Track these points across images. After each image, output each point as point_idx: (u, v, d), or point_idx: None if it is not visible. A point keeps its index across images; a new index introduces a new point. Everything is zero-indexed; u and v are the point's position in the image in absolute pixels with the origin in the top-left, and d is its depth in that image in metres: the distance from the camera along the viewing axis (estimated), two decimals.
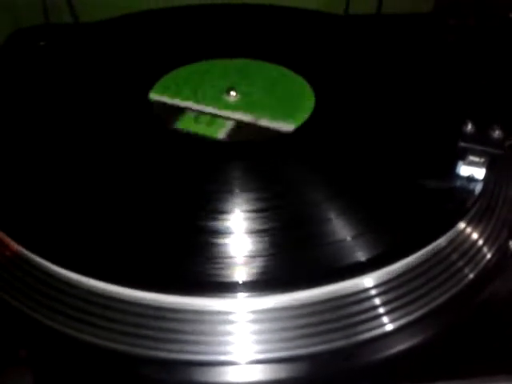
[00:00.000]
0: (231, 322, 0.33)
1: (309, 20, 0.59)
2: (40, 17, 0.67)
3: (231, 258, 0.34)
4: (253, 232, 0.35)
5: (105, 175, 0.40)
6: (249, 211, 0.36)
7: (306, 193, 0.38)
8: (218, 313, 0.33)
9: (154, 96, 0.47)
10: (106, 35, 0.57)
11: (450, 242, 0.37)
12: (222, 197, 0.37)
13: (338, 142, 0.43)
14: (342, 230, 0.36)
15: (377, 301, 0.34)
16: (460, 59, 0.56)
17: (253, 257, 0.34)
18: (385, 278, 0.35)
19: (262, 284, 0.33)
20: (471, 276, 0.36)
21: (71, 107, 0.46)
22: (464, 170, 0.39)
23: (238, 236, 0.35)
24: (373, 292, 0.34)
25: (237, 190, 0.38)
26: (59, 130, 0.44)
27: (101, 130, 0.44)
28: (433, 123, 0.45)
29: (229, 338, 0.32)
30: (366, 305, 0.34)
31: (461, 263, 0.37)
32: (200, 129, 0.43)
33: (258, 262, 0.34)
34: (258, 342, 0.32)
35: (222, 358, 0.32)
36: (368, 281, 0.34)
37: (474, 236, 0.38)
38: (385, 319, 0.34)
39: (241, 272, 0.33)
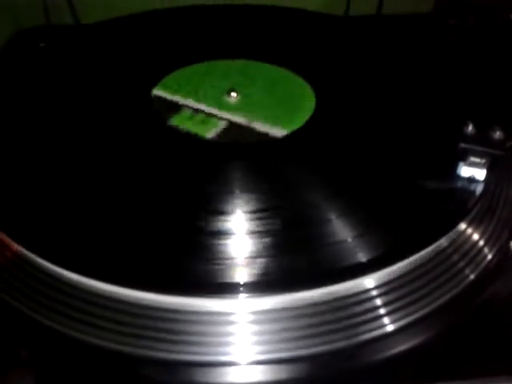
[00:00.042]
0: (232, 323, 0.33)
1: (310, 21, 0.59)
2: (40, 17, 0.67)
3: (232, 258, 0.34)
4: (254, 233, 0.35)
5: (105, 176, 0.40)
6: (250, 212, 0.36)
7: (307, 193, 0.38)
8: (219, 313, 0.33)
9: (156, 91, 0.48)
10: (107, 36, 0.58)
11: (451, 242, 0.37)
12: (222, 197, 0.37)
13: (338, 142, 0.43)
14: (342, 230, 0.36)
15: (378, 301, 0.34)
16: (460, 60, 0.56)
17: (254, 257, 0.34)
18: (385, 279, 0.35)
19: (263, 285, 0.33)
20: (472, 277, 0.36)
21: (72, 108, 0.46)
22: (465, 170, 0.39)
23: (239, 237, 0.35)
24: (373, 293, 0.34)
25: (237, 191, 0.38)
26: (59, 131, 0.44)
27: (101, 132, 0.44)
28: (433, 124, 0.45)
29: (230, 339, 0.32)
30: (367, 305, 0.34)
31: (461, 264, 0.37)
32: (192, 126, 0.43)
33: (259, 263, 0.34)
34: (259, 343, 0.32)
35: (223, 358, 0.32)
36: (369, 281, 0.34)
37: (475, 237, 0.38)
38: (385, 320, 0.34)
39: (242, 273, 0.33)
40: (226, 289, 0.33)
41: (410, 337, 0.33)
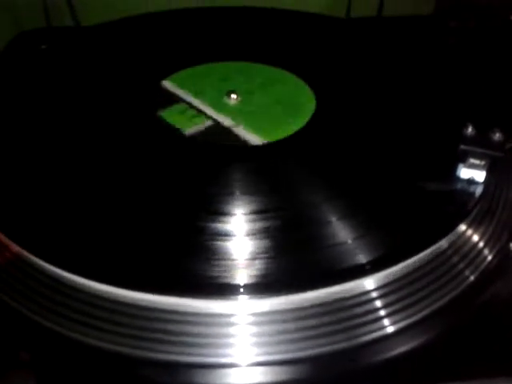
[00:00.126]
0: (232, 324, 0.33)
1: (310, 23, 0.59)
2: (41, 19, 0.67)
3: (232, 260, 0.34)
4: (254, 234, 0.35)
5: (106, 177, 0.40)
6: (250, 213, 0.36)
7: (307, 195, 0.38)
8: (220, 315, 0.33)
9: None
10: (108, 38, 0.58)
11: (451, 244, 0.37)
12: (223, 199, 0.37)
13: (339, 144, 0.43)
14: (342, 232, 0.36)
15: (378, 303, 0.34)
16: (461, 61, 0.56)
17: (254, 259, 0.34)
18: (385, 281, 0.35)
19: (263, 286, 0.33)
20: (472, 278, 0.36)
21: (72, 110, 0.46)
22: (464, 172, 0.39)
23: (239, 238, 0.35)
24: (374, 294, 0.34)
25: (238, 192, 0.38)
26: (60, 133, 0.44)
27: (101, 133, 0.44)
28: (433, 126, 0.45)
29: (230, 340, 0.32)
30: (367, 307, 0.34)
31: (461, 265, 0.37)
32: (177, 121, 0.44)
33: (259, 264, 0.34)
34: (260, 345, 0.32)
35: (224, 360, 0.32)
36: (369, 283, 0.34)
37: (475, 238, 0.38)
38: (386, 321, 0.34)
39: (242, 274, 0.33)
40: (226, 290, 0.33)
41: (410, 338, 0.33)
